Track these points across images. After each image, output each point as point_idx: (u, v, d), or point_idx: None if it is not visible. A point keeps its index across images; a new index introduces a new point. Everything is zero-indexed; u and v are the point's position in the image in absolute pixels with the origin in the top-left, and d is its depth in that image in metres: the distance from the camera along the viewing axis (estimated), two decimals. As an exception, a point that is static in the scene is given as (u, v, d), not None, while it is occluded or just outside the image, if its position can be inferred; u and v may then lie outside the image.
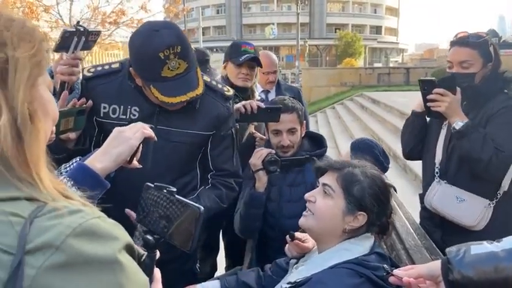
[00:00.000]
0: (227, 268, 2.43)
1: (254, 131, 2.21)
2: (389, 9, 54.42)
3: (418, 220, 1.90)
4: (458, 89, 1.67)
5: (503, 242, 0.85)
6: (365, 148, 1.80)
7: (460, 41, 1.74)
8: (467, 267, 0.84)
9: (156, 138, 1.15)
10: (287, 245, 1.39)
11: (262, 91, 2.79)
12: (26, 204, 0.47)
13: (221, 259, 2.50)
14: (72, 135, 1.35)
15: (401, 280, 0.95)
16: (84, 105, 1.38)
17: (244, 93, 2.22)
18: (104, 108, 1.45)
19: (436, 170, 1.82)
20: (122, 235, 0.51)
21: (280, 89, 2.82)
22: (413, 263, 1.44)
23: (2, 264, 0.43)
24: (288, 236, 1.36)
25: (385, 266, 1.06)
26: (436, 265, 0.90)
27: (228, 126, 1.59)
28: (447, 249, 0.91)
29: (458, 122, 1.64)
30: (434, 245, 1.52)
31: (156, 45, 1.25)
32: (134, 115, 1.45)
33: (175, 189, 0.80)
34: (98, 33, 1.45)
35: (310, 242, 1.37)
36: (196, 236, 0.75)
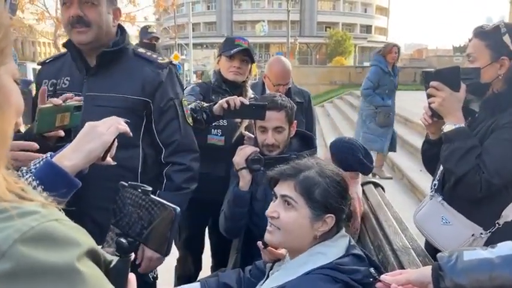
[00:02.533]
0: (212, 268, 2.38)
1: (245, 131, 2.16)
2: (380, 8, 54.77)
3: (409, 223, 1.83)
4: (463, 85, 1.41)
5: (498, 248, 0.81)
6: (346, 151, 1.76)
7: (473, 31, 1.50)
8: (459, 274, 0.80)
9: (131, 134, 1.10)
10: (261, 250, 1.36)
11: None
12: None
13: (207, 258, 2.44)
14: (61, 133, 1.28)
15: (389, 286, 0.91)
16: (82, 102, 1.31)
17: (235, 89, 2.16)
18: (45, 83, 1.53)
19: (435, 182, 1.60)
20: (83, 240, 0.45)
21: (290, 93, 2.69)
22: (400, 264, 1.41)
23: None
24: (260, 243, 1.33)
25: (372, 271, 1.02)
26: (426, 271, 0.87)
27: (167, 96, 1.57)
28: (438, 255, 0.87)
29: (449, 125, 1.43)
30: (422, 247, 1.49)
31: None
32: (65, 84, 1.55)
33: (150, 189, 0.75)
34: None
35: (283, 249, 1.34)
36: (171, 238, 0.70)
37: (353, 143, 1.91)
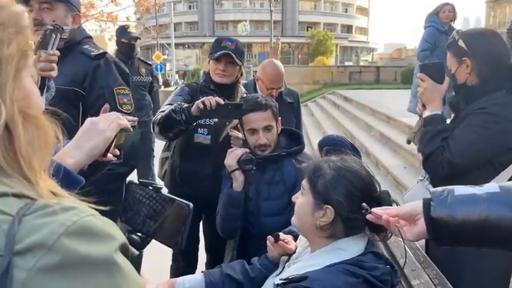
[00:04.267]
0: (207, 264, 2.39)
1: (231, 130, 2.17)
2: (360, 8, 55.42)
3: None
4: (447, 78, 1.61)
5: (485, 187, 0.88)
6: (333, 146, 1.80)
7: (446, 47, 1.74)
8: (450, 206, 0.85)
9: (132, 129, 1.10)
10: (268, 244, 1.39)
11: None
12: (14, 201, 0.43)
13: (202, 257, 2.41)
14: (117, 151, 1.24)
15: (380, 218, 0.96)
16: (136, 122, 1.29)
17: (223, 89, 2.15)
18: None
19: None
20: (118, 234, 0.47)
21: (281, 94, 2.72)
22: (393, 257, 1.46)
23: None
24: (271, 237, 1.35)
25: (363, 204, 1.05)
26: (416, 205, 0.92)
27: (97, 85, 1.72)
28: (431, 190, 0.92)
29: (427, 111, 1.62)
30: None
31: None
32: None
33: (161, 186, 0.77)
34: (67, 31, 1.59)
35: (292, 244, 1.36)
36: (185, 233, 0.72)
37: (341, 140, 1.96)
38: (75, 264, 0.41)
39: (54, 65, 1.50)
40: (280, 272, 1.27)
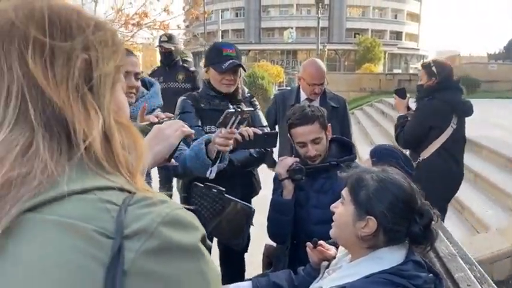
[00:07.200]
0: (222, 277, 2.35)
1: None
2: (411, 14, 53.79)
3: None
4: (408, 96, 3.04)
5: None
6: (387, 158, 1.78)
7: (421, 65, 3.29)
8: None
9: (194, 136, 1.16)
10: (308, 250, 1.41)
11: (306, 99, 2.72)
12: (118, 193, 0.50)
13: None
14: None
15: None
16: (169, 118, 1.35)
17: (232, 98, 2.10)
18: None
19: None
20: (200, 226, 0.53)
21: (325, 98, 2.72)
22: (447, 271, 1.42)
23: (104, 247, 0.45)
24: (310, 243, 1.38)
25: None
26: None
27: None
28: None
29: (398, 114, 3.09)
30: (468, 254, 1.49)
31: None
32: None
33: (224, 189, 0.81)
34: (249, 112, 1.70)
35: (332, 250, 1.37)
36: (246, 233, 0.76)
37: (393, 150, 1.93)
38: (169, 249, 0.48)
39: (231, 141, 1.59)
40: (321, 278, 1.28)
